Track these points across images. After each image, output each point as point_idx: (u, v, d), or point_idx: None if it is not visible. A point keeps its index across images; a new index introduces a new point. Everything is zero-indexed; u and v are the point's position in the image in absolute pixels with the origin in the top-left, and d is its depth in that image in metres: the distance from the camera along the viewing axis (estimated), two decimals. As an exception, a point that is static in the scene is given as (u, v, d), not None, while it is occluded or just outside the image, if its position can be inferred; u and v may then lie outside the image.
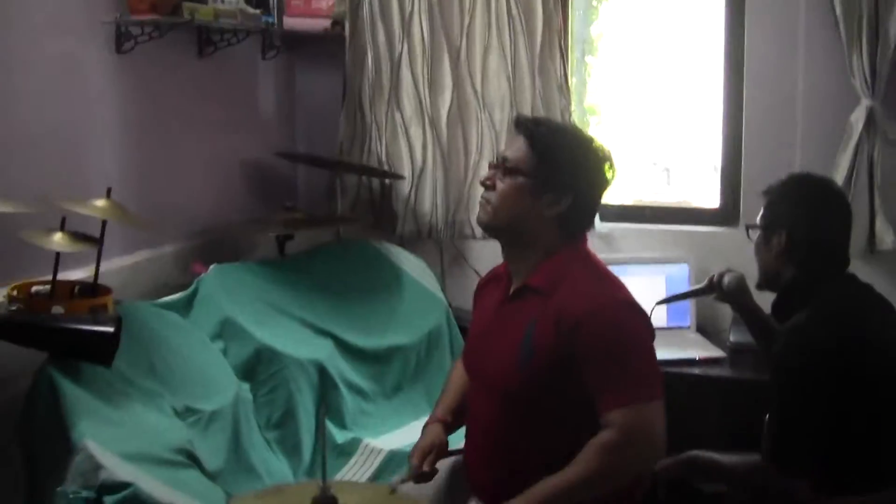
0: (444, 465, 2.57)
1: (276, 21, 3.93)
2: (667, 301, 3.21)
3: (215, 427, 2.79)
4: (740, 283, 2.98)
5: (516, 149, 2.42)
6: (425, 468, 2.47)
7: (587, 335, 2.25)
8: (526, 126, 2.45)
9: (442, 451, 2.53)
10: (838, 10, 3.53)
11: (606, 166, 2.44)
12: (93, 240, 2.83)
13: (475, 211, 3.98)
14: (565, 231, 2.42)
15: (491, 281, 2.63)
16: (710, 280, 3.04)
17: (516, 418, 2.37)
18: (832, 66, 3.63)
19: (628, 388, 2.24)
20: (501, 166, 2.42)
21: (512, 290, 2.47)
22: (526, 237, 2.41)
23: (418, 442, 2.55)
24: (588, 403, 2.26)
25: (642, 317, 2.36)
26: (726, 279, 2.99)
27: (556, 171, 2.37)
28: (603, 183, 2.45)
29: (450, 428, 2.60)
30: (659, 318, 3.55)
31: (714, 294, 3.06)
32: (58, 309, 2.66)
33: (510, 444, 2.39)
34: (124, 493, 2.20)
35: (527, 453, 2.35)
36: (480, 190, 3.51)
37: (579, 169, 2.40)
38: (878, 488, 2.40)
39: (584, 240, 2.50)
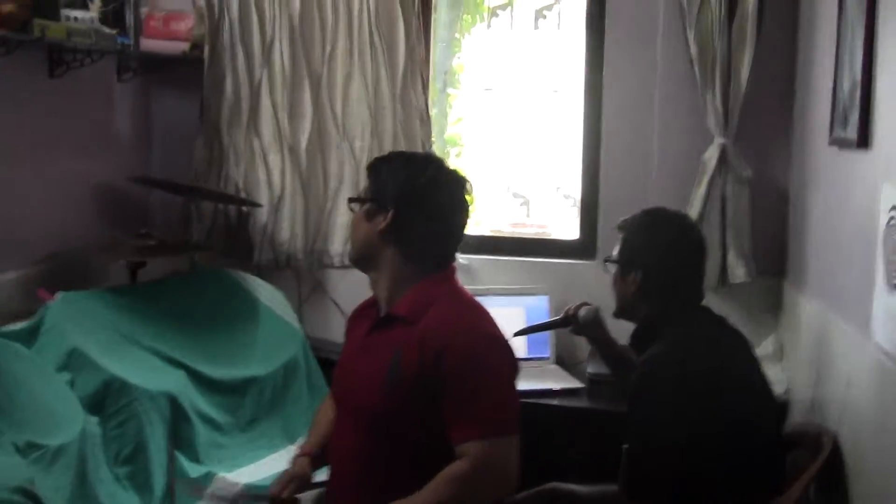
0: (308, 496, 2.56)
1: (132, 42, 3.79)
2: (523, 332, 3.22)
3: (60, 463, 2.64)
4: (596, 317, 3.03)
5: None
6: (283, 495, 2.45)
7: (448, 363, 2.26)
8: (376, 158, 2.58)
9: (304, 482, 2.52)
10: (693, 51, 3.63)
11: (452, 190, 2.46)
12: (-72, 265, 2.68)
13: (335, 240, 3.97)
14: (409, 253, 2.42)
15: (364, 310, 2.63)
16: (566, 313, 3.08)
17: (379, 446, 2.36)
18: (687, 105, 3.73)
19: (484, 420, 2.24)
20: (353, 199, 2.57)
21: (378, 319, 2.47)
22: (372, 262, 2.47)
23: (282, 472, 2.55)
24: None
25: (505, 350, 2.37)
26: (582, 312, 3.04)
27: (380, 190, 2.44)
28: (429, 200, 2.43)
29: (316, 462, 2.58)
30: (518, 349, 3.55)
31: (570, 327, 3.09)
32: None
33: (373, 472, 2.38)
34: (-43, 538, 2.07)
35: (389, 483, 2.33)
36: (340, 219, 3.54)
37: (404, 185, 2.42)
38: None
39: (452, 271, 2.50)
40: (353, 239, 2.53)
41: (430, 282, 2.42)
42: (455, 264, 2.53)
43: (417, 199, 2.42)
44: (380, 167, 2.51)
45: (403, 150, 3.91)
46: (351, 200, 2.64)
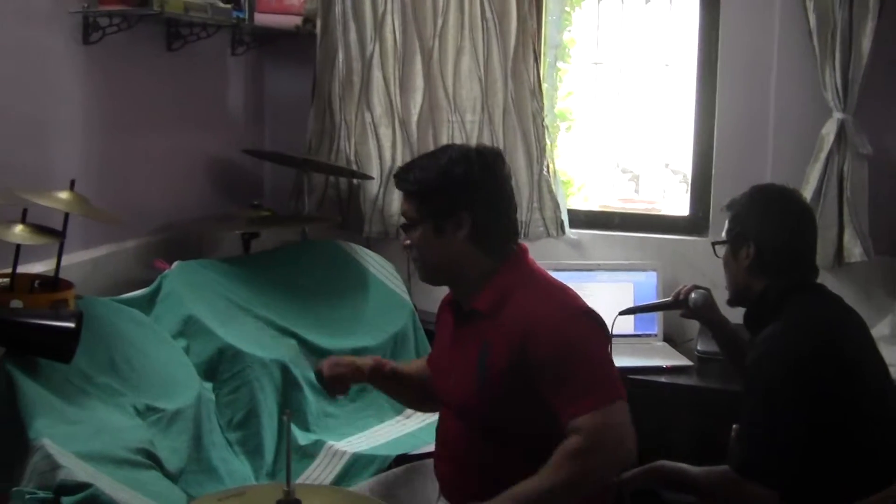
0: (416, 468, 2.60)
1: (246, 16, 3.86)
2: (630, 311, 3.17)
3: (177, 427, 2.73)
4: (706, 300, 2.95)
5: (403, 204, 2.48)
6: (326, 371, 2.58)
7: (538, 349, 2.24)
8: (399, 180, 2.48)
9: (356, 373, 2.62)
10: (812, 22, 3.53)
11: (490, 168, 2.42)
12: (55, 233, 2.77)
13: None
14: (487, 247, 2.40)
15: (450, 302, 2.59)
16: (676, 296, 3.01)
17: (481, 437, 2.37)
18: (805, 79, 3.63)
19: (588, 393, 2.21)
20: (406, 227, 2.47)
21: (461, 315, 2.46)
22: (458, 271, 2.42)
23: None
24: (551, 417, 2.23)
25: (591, 319, 2.33)
26: (693, 296, 2.95)
27: (438, 201, 2.38)
28: (492, 185, 2.41)
29: (377, 372, 2.65)
30: (626, 326, 3.55)
31: (680, 310, 3.03)
32: (17, 303, 2.60)
33: (478, 462, 2.38)
34: (83, 494, 2.13)
35: (494, 471, 2.32)
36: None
37: (459, 186, 2.37)
38: (846, 500, 2.38)
39: (524, 252, 2.48)
40: (428, 260, 2.45)
41: (505, 273, 2.39)
42: (525, 245, 2.50)
43: (479, 191, 2.38)
44: (423, 178, 2.42)
45: (514, 124, 3.92)
46: (409, 229, 2.47)
